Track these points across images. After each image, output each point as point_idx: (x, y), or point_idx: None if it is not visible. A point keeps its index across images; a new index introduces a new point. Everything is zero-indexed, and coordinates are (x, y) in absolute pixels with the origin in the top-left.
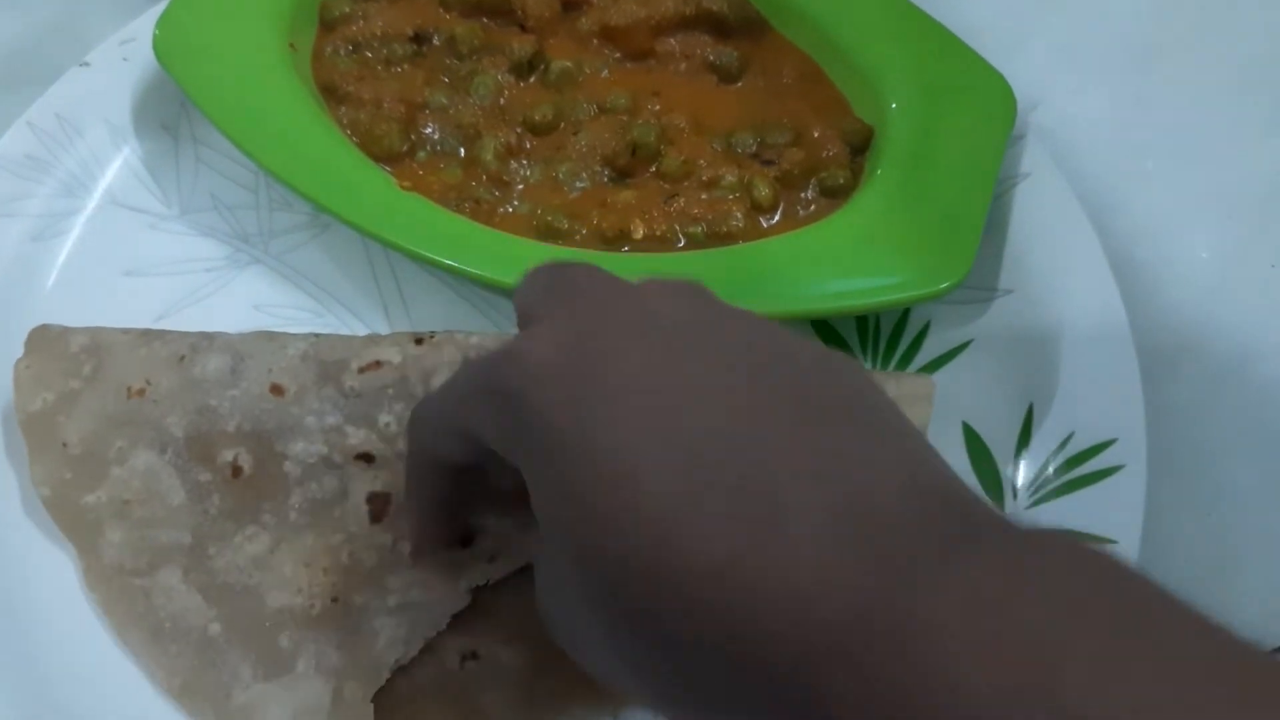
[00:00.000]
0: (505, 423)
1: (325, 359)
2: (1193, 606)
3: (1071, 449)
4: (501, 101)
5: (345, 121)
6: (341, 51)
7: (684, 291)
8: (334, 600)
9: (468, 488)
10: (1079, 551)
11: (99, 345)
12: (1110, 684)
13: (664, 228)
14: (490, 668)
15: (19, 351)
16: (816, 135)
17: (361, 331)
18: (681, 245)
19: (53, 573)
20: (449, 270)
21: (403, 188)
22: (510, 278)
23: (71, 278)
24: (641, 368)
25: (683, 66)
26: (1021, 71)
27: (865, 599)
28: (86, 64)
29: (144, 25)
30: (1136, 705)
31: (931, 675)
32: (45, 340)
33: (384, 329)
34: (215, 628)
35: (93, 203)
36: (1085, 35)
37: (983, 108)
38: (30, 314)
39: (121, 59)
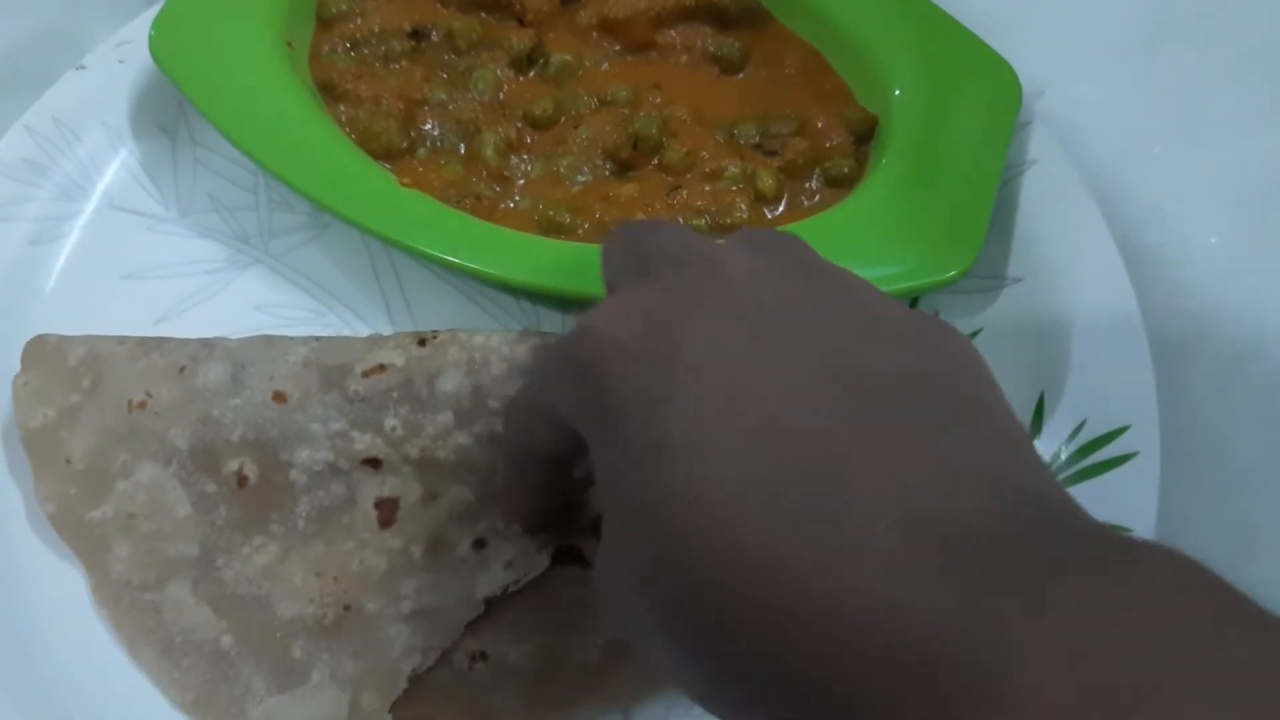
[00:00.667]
0: (579, 394)
1: (327, 364)
2: None
3: (1084, 437)
4: (501, 96)
5: (344, 119)
6: (339, 49)
7: (777, 251)
8: (346, 608)
9: (561, 474)
10: (1186, 575)
11: (97, 357)
12: None
13: (668, 220)
14: (499, 668)
15: (18, 358)
16: (820, 125)
17: (364, 331)
18: None
19: (61, 589)
20: (451, 267)
21: (403, 185)
22: (513, 273)
23: (70, 282)
24: (718, 348)
25: (684, 58)
26: (1026, 57)
27: (947, 617)
28: (83, 67)
29: (140, 27)
30: None
31: (1019, 709)
32: (42, 353)
33: (386, 328)
34: (227, 640)
35: (91, 206)
36: (1090, 19)
37: (988, 94)
38: (30, 319)
39: (118, 61)
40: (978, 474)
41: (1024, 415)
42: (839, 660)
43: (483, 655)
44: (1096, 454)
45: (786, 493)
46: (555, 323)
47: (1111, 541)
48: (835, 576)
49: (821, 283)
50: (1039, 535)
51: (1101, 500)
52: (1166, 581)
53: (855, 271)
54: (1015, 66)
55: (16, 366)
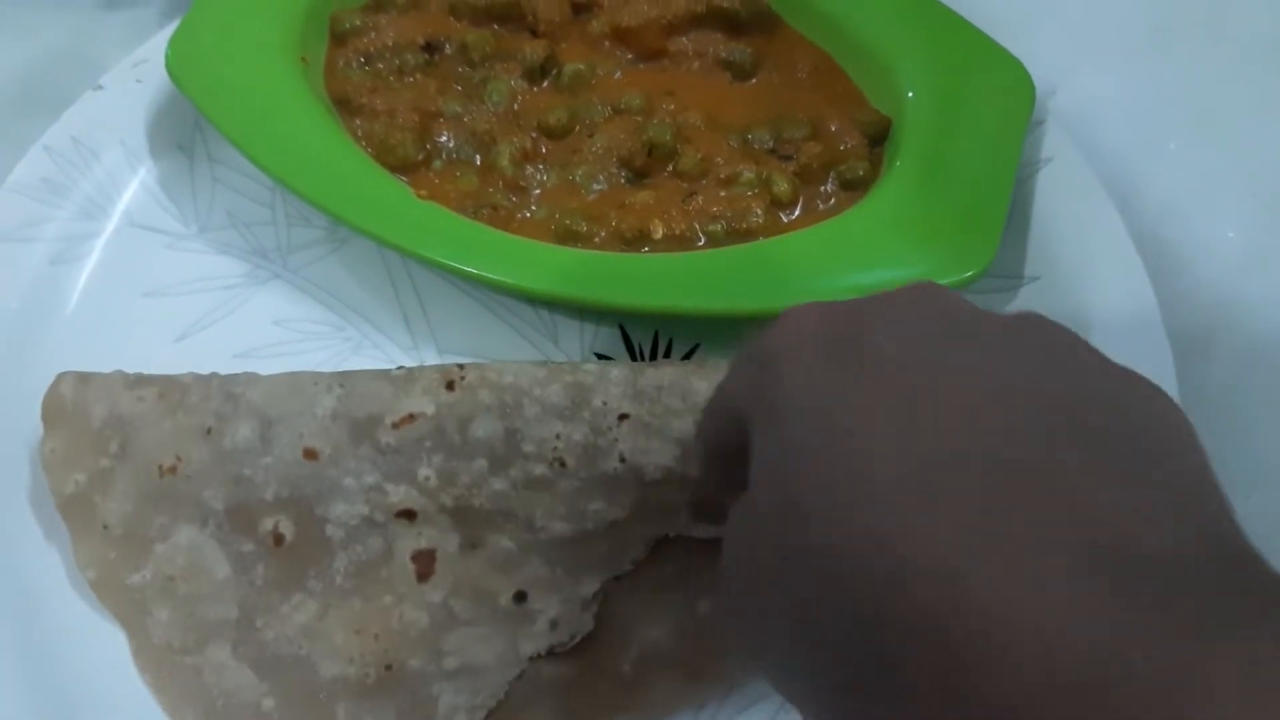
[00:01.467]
0: (756, 382)
1: (356, 416)
2: None
3: None
4: (515, 107)
5: (360, 133)
6: (354, 64)
7: (943, 294)
8: (388, 668)
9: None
10: None
11: (120, 418)
12: None
13: (683, 227)
14: (534, 682)
15: (41, 381)
16: (833, 128)
17: (384, 343)
18: (702, 244)
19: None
20: (469, 277)
21: (419, 197)
22: (531, 282)
23: (92, 301)
24: (900, 355)
25: (696, 65)
26: (1039, 56)
27: (1121, 647)
28: (100, 87)
29: (156, 47)
30: None
31: None
32: (62, 413)
33: (405, 339)
34: (269, 703)
35: (111, 225)
36: (1101, 16)
37: (1001, 94)
38: (52, 339)
39: (135, 80)
40: (1160, 515)
41: None
42: (997, 682)
43: (519, 679)
44: None
45: (962, 506)
46: (573, 331)
47: None
48: (1004, 595)
49: (1004, 319)
50: (1225, 579)
51: None
52: None
53: (872, 273)
54: (1028, 65)
55: (40, 388)
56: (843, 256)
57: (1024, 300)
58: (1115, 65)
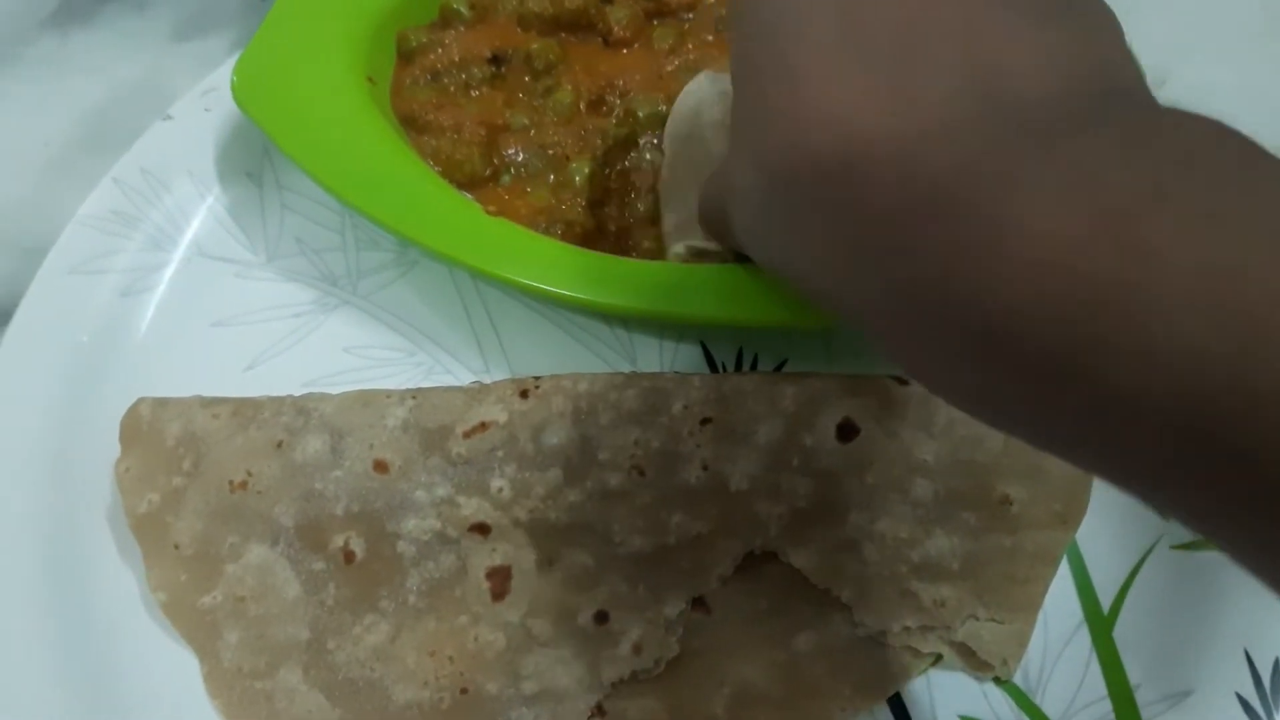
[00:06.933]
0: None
1: (427, 426)
2: None
3: None
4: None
5: (428, 151)
6: (421, 81)
7: None
8: (463, 692)
9: None
10: (1210, 129)
11: (194, 435)
12: (1188, 238)
13: None
14: None
15: (112, 413)
16: None
17: (456, 368)
18: None
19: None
20: (541, 295)
21: (489, 213)
22: (606, 298)
23: (161, 332)
24: None
25: None
26: (1149, 41)
27: (970, 157)
28: (169, 117)
29: (224, 75)
30: (1210, 263)
31: (1012, 224)
32: (138, 433)
33: (478, 363)
34: None
35: (179, 255)
36: (1215, 2)
37: None
38: (122, 371)
39: (204, 109)
40: (1044, 53)
41: None
42: (872, 196)
43: (600, 710)
44: None
45: (859, 46)
46: (652, 349)
47: (1160, 111)
48: (885, 117)
49: None
50: (1097, 106)
51: None
52: (1185, 133)
53: None
54: (1138, 53)
55: (112, 420)
56: None
57: None
58: (1229, 53)
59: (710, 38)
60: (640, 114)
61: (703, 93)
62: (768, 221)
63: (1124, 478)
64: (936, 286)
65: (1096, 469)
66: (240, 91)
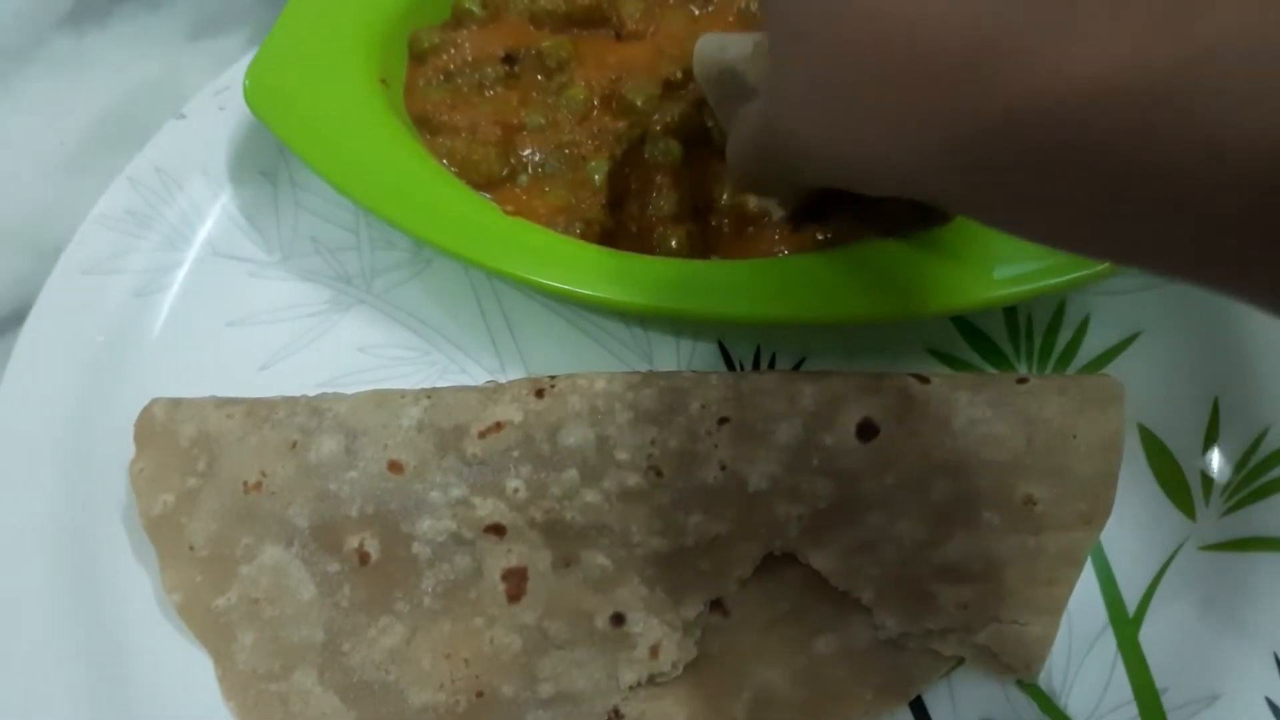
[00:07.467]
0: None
1: (442, 426)
2: None
3: (1268, 446)
4: (595, 113)
5: (443, 152)
6: (434, 82)
7: None
8: (479, 695)
9: None
10: None
11: (208, 436)
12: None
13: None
14: None
15: (127, 413)
16: None
17: (471, 367)
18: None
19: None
20: (557, 293)
21: (506, 213)
22: (622, 296)
23: (175, 331)
24: None
25: None
26: None
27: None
28: (183, 116)
29: (239, 73)
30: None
31: (1074, 48)
32: (152, 433)
33: (493, 362)
34: None
35: (194, 254)
36: None
37: None
38: (137, 371)
39: (218, 108)
40: None
41: (1197, 425)
42: (942, 43)
43: (617, 714)
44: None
45: None
46: (669, 348)
47: None
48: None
49: None
50: None
51: None
52: None
53: (991, 270)
54: None
55: (126, 421)
56: (956, 256)
57: (1168, 297)
58: None
59: (731, 19)
60: (638, 103)
61: (717, 39)
62: (827, 110)
63: (1201, 274)
64: (1003, 117)
65: (1173, 269)
66: (253, 96)
